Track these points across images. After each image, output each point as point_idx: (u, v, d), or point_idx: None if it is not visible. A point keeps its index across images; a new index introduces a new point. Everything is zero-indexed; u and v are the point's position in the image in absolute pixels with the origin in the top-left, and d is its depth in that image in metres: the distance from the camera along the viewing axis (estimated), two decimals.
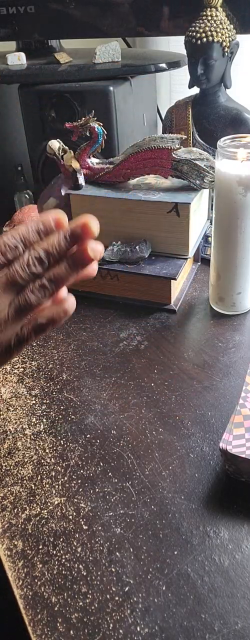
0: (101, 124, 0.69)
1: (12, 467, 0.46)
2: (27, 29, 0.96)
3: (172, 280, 0.64)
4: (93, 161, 0.72)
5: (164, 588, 0.35)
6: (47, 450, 0.47)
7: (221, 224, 0.61)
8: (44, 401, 0.54)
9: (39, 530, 0.40)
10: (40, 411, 0.52)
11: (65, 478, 0.44)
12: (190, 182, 0.67)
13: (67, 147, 0.72)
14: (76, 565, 0.37)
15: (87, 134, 0.69)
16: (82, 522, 0.40)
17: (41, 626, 0.34)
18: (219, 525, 0.39)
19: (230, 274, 0.62)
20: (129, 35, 1.06)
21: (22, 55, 0.95)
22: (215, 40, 0.73)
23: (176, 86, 1.10)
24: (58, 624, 0.34)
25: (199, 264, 0.77)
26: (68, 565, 0.37)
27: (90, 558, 0.38)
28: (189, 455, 0.45)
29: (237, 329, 0.62)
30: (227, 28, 0.74)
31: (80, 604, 0.35)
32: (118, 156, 0.73)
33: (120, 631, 0.33)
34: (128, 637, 0.33)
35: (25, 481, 0.45)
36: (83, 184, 0.71)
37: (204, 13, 0.75)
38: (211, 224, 0.66)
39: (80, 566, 0.37)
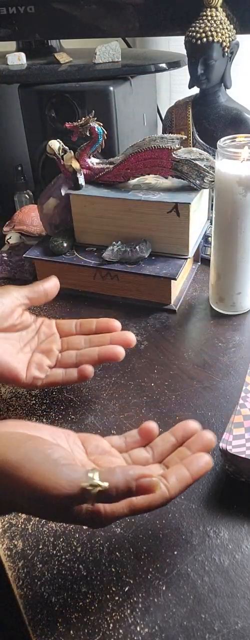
0: (101, 124, 0.69)
1: None
2: (27, 29, 0.96)
3: (172, 280, 0.64)
4: (93, 161, 0.72)
5: (164, 588, 0.35)
6: None
7: (221, 224, 0.61)
8: (44, 401, 0.53)
9: (39, 530, 0.40)
10: (40, 411, 0.52)
11: None
12: (190, 182, 0.67)
13: (67, 147, 0.72)
14: (76, 565, 0.37)
15: (87, 134, 0.69)
16: None
17: (41, 626, 0.34)
18: (219, 525, 0.39)
19: (230, 274, 0.62)
20: (129, 35, 1.06)
21: (22, 55, 0.94)
22: (215, 40, 0.73)
23: (176, 86, 1.10)
24: (58, 624, 0.34)
25: (199, 264, 0.77)
26: (68, 565, 0.37)
27: (90, 558, 0.38)
28: None
29: (237, 329, 0.62)
30: (227, 28, 0.74)
31: (80, 604, 0.35)
32: (118, 156, 0.73)
33: (120, 631, 0.33)
34: (128, 637, 0.33)
35: None
36: (83, 184, 0.71)
37: (204, 13, 0.75)
38: (211, 224, 0.66)
39: (80, 566, 0.37)
